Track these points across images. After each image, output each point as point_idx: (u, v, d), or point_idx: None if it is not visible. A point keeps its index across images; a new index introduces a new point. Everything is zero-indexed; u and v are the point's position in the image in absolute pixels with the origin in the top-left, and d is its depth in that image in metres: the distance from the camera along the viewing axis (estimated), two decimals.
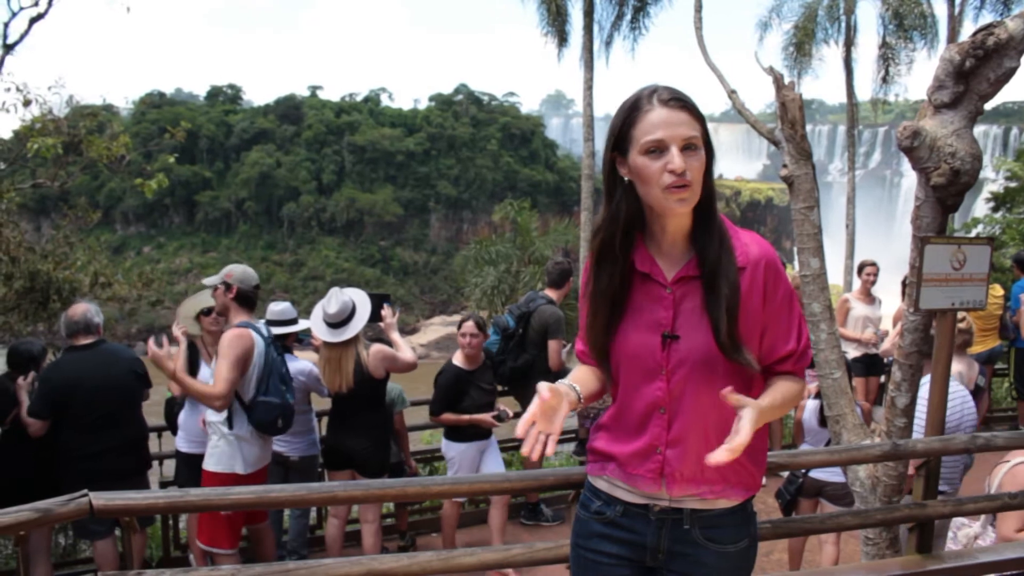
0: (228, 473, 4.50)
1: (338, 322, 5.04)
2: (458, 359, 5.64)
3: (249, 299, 4.64)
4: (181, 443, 5.33)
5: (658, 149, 1.90)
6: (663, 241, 2.05)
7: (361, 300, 5.14)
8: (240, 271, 4.65)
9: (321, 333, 5.09)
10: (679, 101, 1.91)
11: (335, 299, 5.04)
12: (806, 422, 5.08)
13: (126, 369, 5.04)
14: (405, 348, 5.27)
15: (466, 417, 5.51)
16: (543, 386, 1.90)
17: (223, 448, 4.55)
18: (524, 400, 6.61)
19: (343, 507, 5.49)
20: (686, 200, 1.92)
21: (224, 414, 4.53)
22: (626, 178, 1.99)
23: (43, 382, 4.85)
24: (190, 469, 5.11)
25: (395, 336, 5.33)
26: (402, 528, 6.36)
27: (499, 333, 6.37)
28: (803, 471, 4.90)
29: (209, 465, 4.59)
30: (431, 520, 6.66)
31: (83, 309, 4.97)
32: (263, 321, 5.12)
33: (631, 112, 1.95)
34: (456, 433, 5.64)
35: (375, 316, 5.31)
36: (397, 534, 6.37)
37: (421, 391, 6.42)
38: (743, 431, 1.82)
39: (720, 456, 1.80)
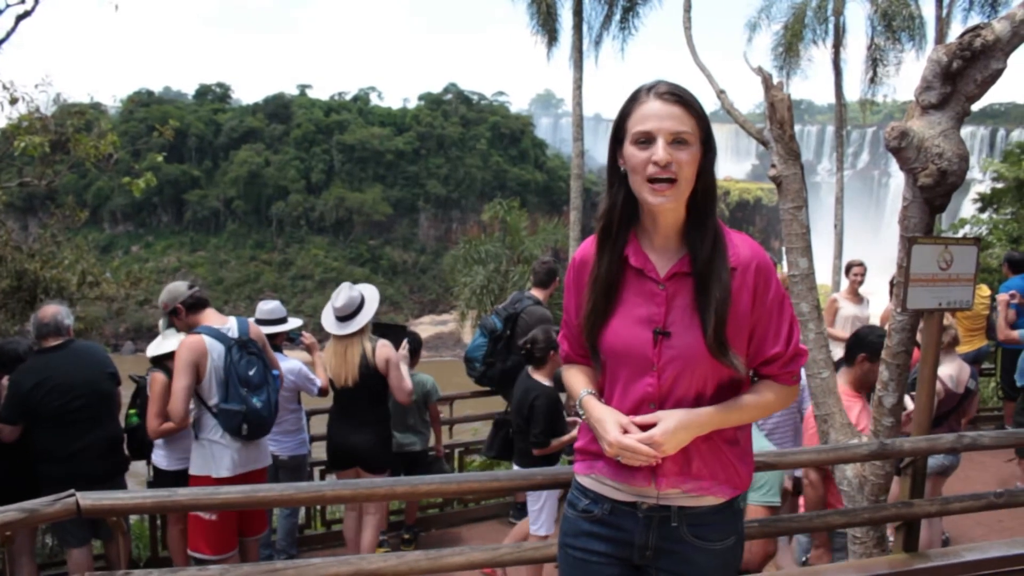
0: (204, 476, 4.48)
1: (345, 315, 5.09)
2: (543, 378, 5.03)
3: (196, 304, 4.57)
4: (160, 460, 5.23)
5: (646, 140, 1.92)
6: (655, 236, 2.07)
7: (371, 295, 5.21)
8: (167, 295, 4.57)
9: (329, 326, 5.15)
10: (674, 96, 1.93)
11: (344, 293, 5.11)
12: None
13: (98, 368, 4.92)
14: (407, 382, 5.28)
15: (566, 438, 5.02)
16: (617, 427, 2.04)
17: (197, 452, 4.55)
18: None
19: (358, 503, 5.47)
20: (665, 196, 1.94)
21: (192, 418, 4.54)
22: (622, 168, 2.01)
23: (12, 386, 4.70)
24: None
25: (404, 371, 5.32)
26: (409, 523, 6.37)
27: (486, 335, 6.36)
28: None
29: (190, 469, 4.59)
30: (437, 516, 6.69)
31: (53, 311, 4.84)
32: (252, 319, 5.10)
33: (629, 103, 1.99)
34: (541, 462, 5.01)
35: (397, 344, 5.37)
36: (404, 528, 6.36)
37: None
38: (644, 435, 1.98)
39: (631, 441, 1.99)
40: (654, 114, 1.92)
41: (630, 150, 1.96)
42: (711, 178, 2.01)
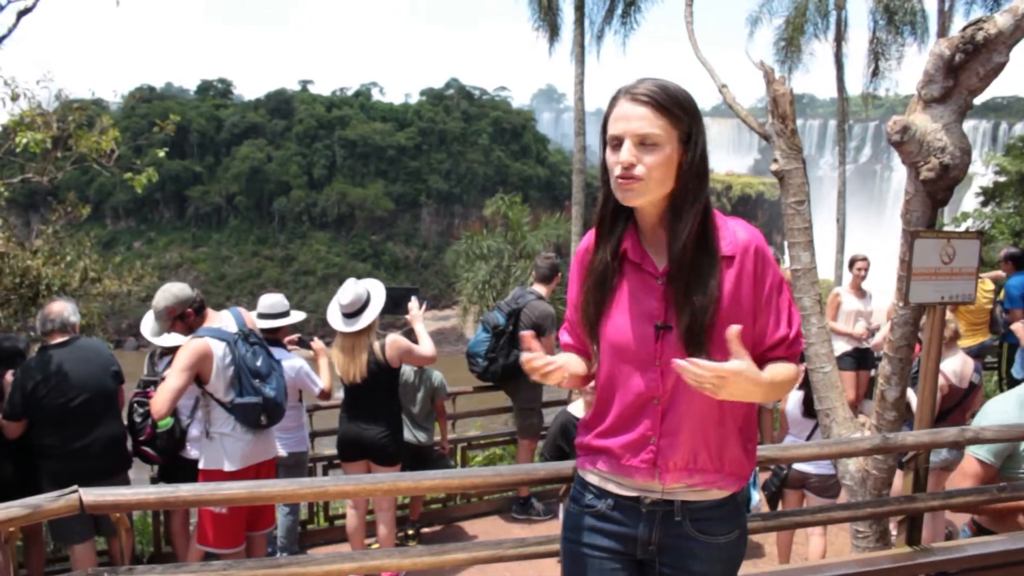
0: (215, 470, 4.47)
1: (351, 312, 5.08)
2: (577, 409, 5.25)
3: (203, 306, 4.56)
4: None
5: (616, 143, 1.94)
6: (647, 232, 2.07)
7: (376, 291, 5.19)
8: (175, 301, 4.48)
9: (336, 323, 5.14)
10: (647, 96, 1.92)
11: (350, 290, 5.10)
12: (790, 413, 5.09)
13: (101, 366, 4.90)
14: (425, 343, 5.31)
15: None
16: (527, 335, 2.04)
17: (207, 445, 4.53)
18: (516, 397, 6.61)
19: (362, 499, 5.46)
20: (632, 192, 1.93)
21: (199, 413, 4.52)
22: None
23: (16, 382, 4.70)
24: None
25: (419, 329, 5.38)
26: (413, 518, 6.36)
27: (489, 331, 6.35)
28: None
29: (200, 463, 4.58)
30: (440, 511, 6.69)
31: (60, 307, 4.83)
32: (255, 313, 5.09)
33: (609, 104, 1.99)
34: None
35: (402, 309, 5.36)
36: (407, 524, 6.35)
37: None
38: (717, 365, 1.80)
39: (685, 365, 1.80)
40: (622, 116, 1.93)
41: (606, 151, 1.98)
42: (695, 172, 1.97)
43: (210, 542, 4.54)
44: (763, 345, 2.09)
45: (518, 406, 6.65)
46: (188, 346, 4.36)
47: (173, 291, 4.53)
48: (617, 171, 1.92)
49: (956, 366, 5.25)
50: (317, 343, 5.74)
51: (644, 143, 1.91)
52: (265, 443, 4.65)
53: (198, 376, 4.35)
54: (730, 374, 1.80)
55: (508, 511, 6.63)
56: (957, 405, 5.30)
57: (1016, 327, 7.90)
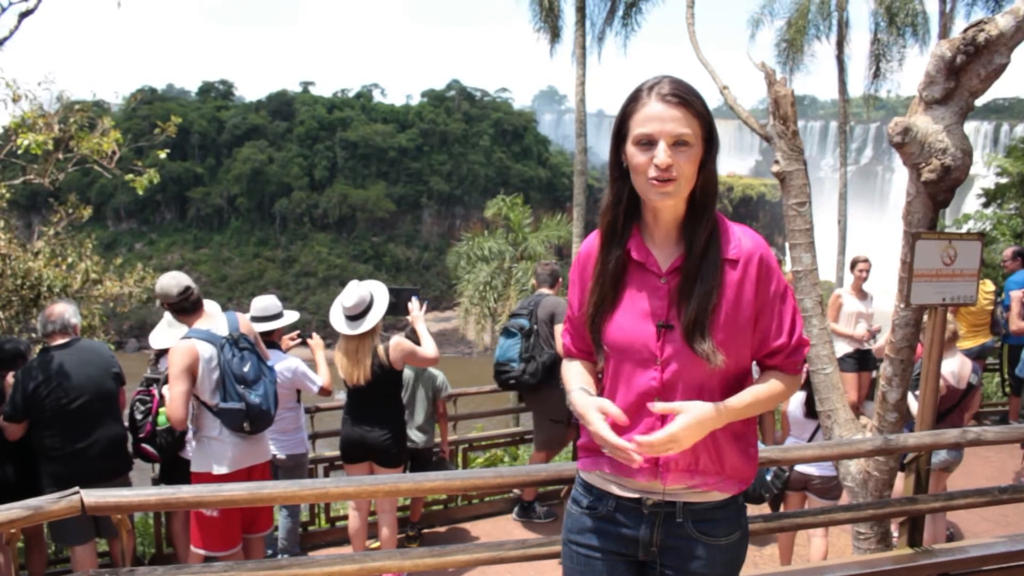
0: (204, 473, 4.48)
1: (355, 315, 5.06)
2: None
3: (184, 308, 4.53)
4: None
5: (648, 142, 1.92)
6: (656, 231, 2.07)
7: (379, 293, 5.17)
8: (160, 288, 4.51)
9: (339, 326, 5.12)
10: (677, 97, 1.92)
11: (353, 292, 5.07)
12: (791, 414, 5.08)
13: (102, 367, 4.90)
14: (428, 343, 5.28)
15: None
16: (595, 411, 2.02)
17: (196, 447, 4.55)
18: (542, 406, 6.41)
19: (364, 500, 5.45)
20: (668, 194, 1.94)
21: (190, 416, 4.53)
22: (625, 164, 2.01)
23: (17, 383, 4.69)
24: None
25: (421, 329, 5.36)
26: (414, 520, 6.35)
27: (515, 334, 6.27)
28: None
29: (191, 466, 4.60)
30: (441, 512, 6.67)
31: (60, 309, 4.84)
32: (239, 314, 5.09)
33: (631, 102, 1.98)
34: None
35: (402, 309, 5.34)
36: (408, 526, 6.32)
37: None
38: (663, 432, 1.92)
39: (634, 445, 1.92)
40: (656, 116, 1.92)
41: (632, 150, 1.96)
42: (712, 173, 2.01)
43: (205, 545, 4.55)
44: (761, 351, 2.10)
45: (545, 417, 6.40)
46: (176, 349, 4.37)
47: (161, 282, 4.55)
48: (652, 172, 1.92)
49: (954, 367, 5.25)
50: (314, 338, 5.72)
51: (678, 143, 1.91)
52: (256, 447, 4.64)
53: None
54: (679, 433, 1.92)
55: (510, 512, 6.62)
56: (955, 406, 5.29)
57: (1014, 294, 7.81)
